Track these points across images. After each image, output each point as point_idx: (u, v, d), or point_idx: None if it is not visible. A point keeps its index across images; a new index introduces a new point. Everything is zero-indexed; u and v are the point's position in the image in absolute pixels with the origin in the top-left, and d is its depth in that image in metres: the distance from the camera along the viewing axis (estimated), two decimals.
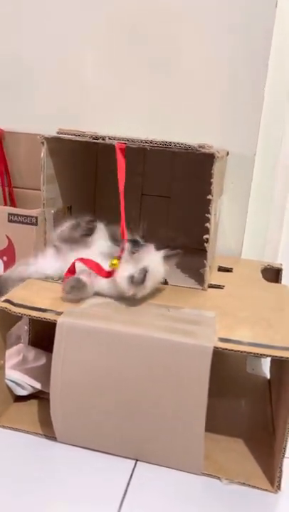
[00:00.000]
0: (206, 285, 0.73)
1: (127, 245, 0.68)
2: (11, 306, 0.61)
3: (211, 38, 0.93)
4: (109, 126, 0.95)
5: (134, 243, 0.69)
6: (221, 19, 0.91)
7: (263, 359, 0.88)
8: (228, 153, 0.92)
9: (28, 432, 0.64)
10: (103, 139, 0.71)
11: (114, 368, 0.57)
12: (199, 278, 0.75)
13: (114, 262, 0.67)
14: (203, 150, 0.67)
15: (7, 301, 0.62)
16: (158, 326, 0.58)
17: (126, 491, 0.56)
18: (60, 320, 0.58)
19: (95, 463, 0.60)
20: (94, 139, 0.72)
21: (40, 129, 0.78)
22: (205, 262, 0.72)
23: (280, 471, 0.56)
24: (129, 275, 0.64)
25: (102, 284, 0.66)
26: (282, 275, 0.89)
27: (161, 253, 0.70)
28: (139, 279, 0.63)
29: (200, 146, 0.67)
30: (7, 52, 1.05)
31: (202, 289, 0.73)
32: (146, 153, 0.98)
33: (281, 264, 0.90)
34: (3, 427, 0.65)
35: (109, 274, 0.66)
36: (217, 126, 0.95)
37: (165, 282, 0.74)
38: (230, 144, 0.93)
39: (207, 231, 0.71)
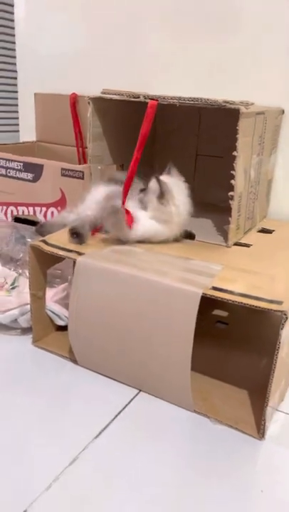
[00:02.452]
0: (229, 242, 0.75)
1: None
2: (44, 245, 0.72)
3: None
4: (173, 88, 0.99)
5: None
6: None
7: None
8: (283, 112, 0.89)
9: (58, 354, 0.76)
10: (138, 97, 0.75)
11: (117, 302, 0.64)
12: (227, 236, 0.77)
13: None
14: (228, 106, 0.67)
15: (43, 241, 0.73)
16: (160, 271, 0.64)
17: (119, 412, 0.64)
18: (78, 259, 0.67)
19: (102, 385, 0.69)
20: (133, 97, 0.77)
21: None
22: (230, 219, 0.74)
23: (264, 419, 0.59)
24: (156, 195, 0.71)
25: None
26: None
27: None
28: (164, 190, 0.71)
29: (225, 102, 0.67)
30: (80, 28, 1.13)
31: (226, 246, 0.75)
32: (201, 115, 0.99)
33: None
34: (42, 348, 0.78)
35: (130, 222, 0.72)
36: (276, 85, 0.92)
37: (192, 237, 0.78)
38: None
39: (232, 188, 0.72)
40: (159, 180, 0.72)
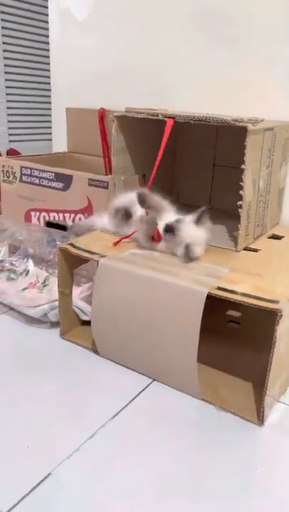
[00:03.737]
0: (239, 247, 0.81)
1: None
2: (72, 248, 0.81)
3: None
4: (196, 104, 1.07)
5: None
6: None
7: None
8: None
9: (83, 346, 0.85)
10: (156, 116, 0.83)
11: (133, 300, 0.72)
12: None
13: None
14: (236, 124, 0.74)
15: (70, 244, 0.82)
16: (172, 272, 0.71)
17: (134, 397, 0.71)
18: (100, 261, 0.75)
19: (120, 374, 0.77)
20: (152, 115, 0.85)
21: (138, 106, 0.95)
22: (239, 225, 0.80)
23: (263, 407, 0.65)
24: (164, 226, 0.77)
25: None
26: None
27: (191, 218, 0.79)
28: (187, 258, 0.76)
29: (234, 120, 0.74)
30: (108, 48, 1.23)
31: (235, 251, 0.82)
32: (218, 128, 1.06)
33: None
34: (68, 340, 0.87)
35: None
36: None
37: None
38: None
39: (240, 198, 0.78)
40: (188, 247, 0.76)
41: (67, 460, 0.59)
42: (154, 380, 0.76)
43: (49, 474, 0.56)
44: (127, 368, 0.78)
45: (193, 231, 0.78)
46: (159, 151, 1.00)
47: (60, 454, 0.60)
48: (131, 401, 0.71)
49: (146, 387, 0.74)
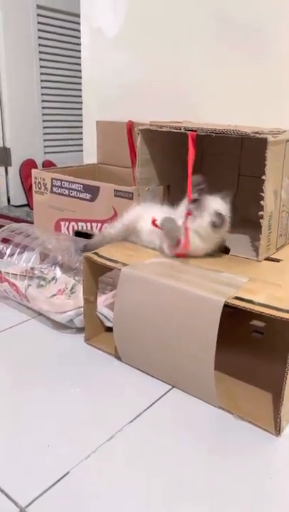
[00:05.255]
0: (260, 257, 0.82)
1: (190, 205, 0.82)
2: (96, 256, 0.84)
3: None
4: (221, 115, 1.08)
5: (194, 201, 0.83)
6: None
7: None
8: None
9: (106, 352, 0.87)
10: (179, 129, 0.85)
11: (153, 307, 0.75)
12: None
13: None
14: (257, 136, 0.75)
15: (95, 253, 0.85)
16: (191, 281, 0.73)
17: (153, 403, 0.73)
18: (123, 269, 0.78)
19: (140, 380, 0.79)
20: (175, 129, 0.87)
21: (164, 118, 0.98)
22: (260, 236, 0.81)
23: (279, 417, 0.65)
24: (210, 221, 0.79)
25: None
26: None
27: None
28: (219, 223, 0.78)
29: (254, 132, 0.75)
30: (135, 64, 1.27)
31: (257, 261, 0.82)
32: (243, 140, 1.07)
33: None
34: (92, 345, 0.90)
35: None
36: None
37: (227, 251, 0.86)
38: None
39: (261, 208, 0.79)
40: (220, 215, 0.79)
41: (85, 460, 0.61)
42: (174, 386, 0.77)
43: (67, 473, 0.59)
44: (147, 374, 0.80)
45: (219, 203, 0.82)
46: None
47: (78, 454, 0.62)
48: (149, 406, 0.72)
49: (165, 393, 0.76)
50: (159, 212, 0.87)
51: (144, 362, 0.80)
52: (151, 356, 0.78)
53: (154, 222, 0.84)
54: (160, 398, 0.74)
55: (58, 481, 0.58)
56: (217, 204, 0.82)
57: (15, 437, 0.65)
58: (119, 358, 0.84)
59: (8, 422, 0.69)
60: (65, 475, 0.59)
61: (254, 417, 0.69)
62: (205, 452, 0.64)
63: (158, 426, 0.69)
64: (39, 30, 1.96)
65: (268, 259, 0.84)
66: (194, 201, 0.82)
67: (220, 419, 0.70)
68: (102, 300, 0.96)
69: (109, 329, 0.93)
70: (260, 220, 0.80)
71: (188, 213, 0.81)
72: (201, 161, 1.17)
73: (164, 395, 0.75)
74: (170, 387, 0.77)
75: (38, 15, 1.94)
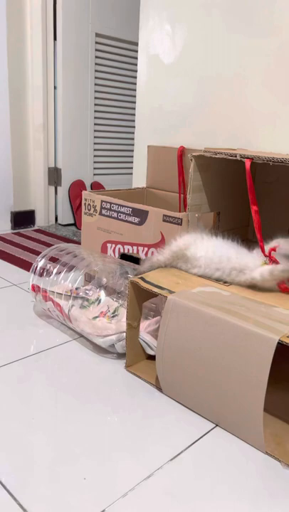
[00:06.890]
0: None
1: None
2: (142, 282, 0.82)
3: None
4: (276, 144, 1.06)
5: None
6: None
7: None
8: None
9: (146, 381, 0.84)
10: (235, 156, 0.84)
11: (200, 339, 0.71)
12: None
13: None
14: None
15: (141, 278, 0.83)
16: (241, 315, 0.69)
17: (195, 441, 0.69)
18: (169, 297, 0.76)
19: (182, 415, 0.75)
20: (230, 156, 0.85)
21: (217, 145, 0.97)
22: None
23: None
24: None
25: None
26: None
27: None
28: None
29: None
30: (188, 91, 1.27)
31: None
32: None
33: None
34: (132, 373, 0.87)
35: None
36: None
37: None
38: None
39: None
40: None
41: (122, 499, 0.58)
42: (217, 425, 0.73)
43: (103, 511, 0.56)
44: (189, 409, 0.77)
45: None
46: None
47: (115, 491, 0.59)
48: (191, 444, 0.68)
49: (209, 431, 0.72)
50: (214, 241, 0.85)
51: (188, 396, 0.76)
52: (195, 391, 0.75)
53: (270, 254, 0.81)
54: (203, 436, 0.70)
55: None
56: None
57: (51, 467, 0.63)
58: (160, 390, 0.81)
59: (44, 447, 0.67)
60: None
61: None
62: (246, 501, 0.59)
63: (200, 466, 0.64)
64: (96, 57, 2.03)
65: None
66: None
67: (266, 465, 0.65)
68: (144, 326, 0.94)
69: (151, 357, 0.90)
70: None
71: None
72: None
73: (207, 433, 0.71)
74: (214, 425, 0.73)
75: (96, 42, 2.02)
